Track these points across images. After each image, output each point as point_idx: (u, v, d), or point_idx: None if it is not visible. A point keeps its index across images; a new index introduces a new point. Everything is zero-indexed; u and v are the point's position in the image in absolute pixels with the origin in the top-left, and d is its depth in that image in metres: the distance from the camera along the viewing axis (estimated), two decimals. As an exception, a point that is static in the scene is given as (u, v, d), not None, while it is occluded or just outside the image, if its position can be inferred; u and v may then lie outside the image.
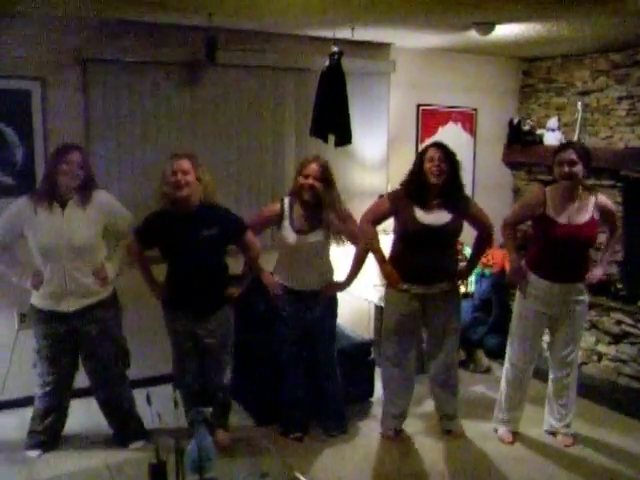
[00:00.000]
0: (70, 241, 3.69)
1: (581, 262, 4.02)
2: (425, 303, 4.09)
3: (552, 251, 3.98)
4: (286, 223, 4.03)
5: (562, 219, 3.91)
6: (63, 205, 3.71)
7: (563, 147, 3.99)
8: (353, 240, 4.13)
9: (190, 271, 3.86)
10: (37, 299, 3.83)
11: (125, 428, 4.12)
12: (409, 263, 4.05)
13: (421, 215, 3.97)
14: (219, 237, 3.84)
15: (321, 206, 3.97)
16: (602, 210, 3.97)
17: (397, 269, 4.09)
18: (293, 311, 4.12)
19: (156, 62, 4.68)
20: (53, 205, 3.69)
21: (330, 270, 4.21)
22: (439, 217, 3.97)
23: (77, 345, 3.91)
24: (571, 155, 3.84)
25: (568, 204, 3.93)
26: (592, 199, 3.96)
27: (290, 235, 4.01)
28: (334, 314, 4.27)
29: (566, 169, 3.84)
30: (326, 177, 3.97)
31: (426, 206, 3.98)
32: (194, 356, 4.02)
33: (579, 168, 3.84)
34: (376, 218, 4.17)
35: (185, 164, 3.73)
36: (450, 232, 4.02)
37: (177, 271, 3.93)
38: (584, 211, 3.93)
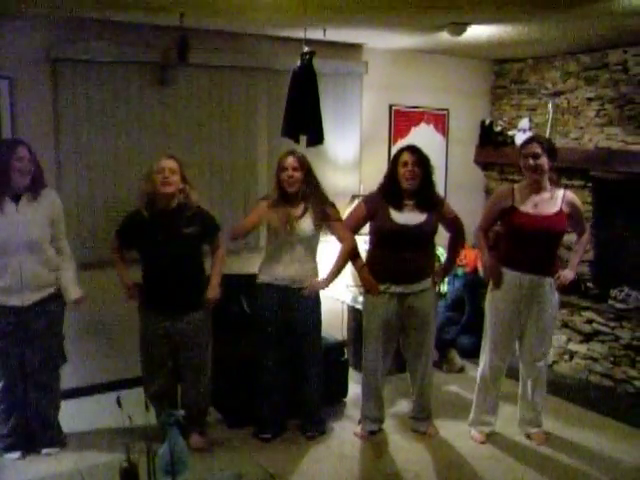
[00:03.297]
0: (25, 236, 3.68)
1: (548, 255, 4.05)
2: (404, 303, 4.09)
3: (519, 242, 4.03)
4: (275, 216, 4.06)
5: (528, 209, 3.98)
6: (16, 200, 3.71)
7: (528, 141, 4.07)
8: (338, 237, 4.19)
9: (168, 269, 3.84)
10: None
11: (45, 432, 4.01)
12: (386, 264, 4.07)
13: (396, 215, 4.01)
14: (198, 235, 3.90)
15: (306, 196, 4.06)
16: (571, 206, 4.03)
17: (374, 271, 4.12)
18: (275, 310, 4.11)
19: (127, 62, 4.63)
20: (5, 201, 3.69)
21: (315, 267, 4.22)
22: (414, 217, 4.01)
23: (24, 343, 3.83)
24: (535, 149, 3.92)
25: (535, 196, 4.00)
26: (560, 192, 4.03)
27: (280, 225, 4.02)
28: (318, 316, 4.25)
29: (531, 162, 3.93)
30: (304, 166, 4.05)
31: (401, 207, 4.02)
32: (167, 360, 3.97)
33: (543, 160, 3.91)
34: (354, 226, 4.21)
35: (172, 163, 3.83)
36: (426, 231, 4.04)
37: (154, 269, 3.90)
38: (552, 203, 3.99)
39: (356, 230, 4.24)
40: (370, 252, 4.23)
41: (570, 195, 4.07)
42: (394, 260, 4.03)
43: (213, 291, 3.98)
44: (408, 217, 4.01)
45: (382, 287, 4.08)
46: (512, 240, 4.08)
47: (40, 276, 3.78)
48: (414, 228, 3.99)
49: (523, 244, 4.01)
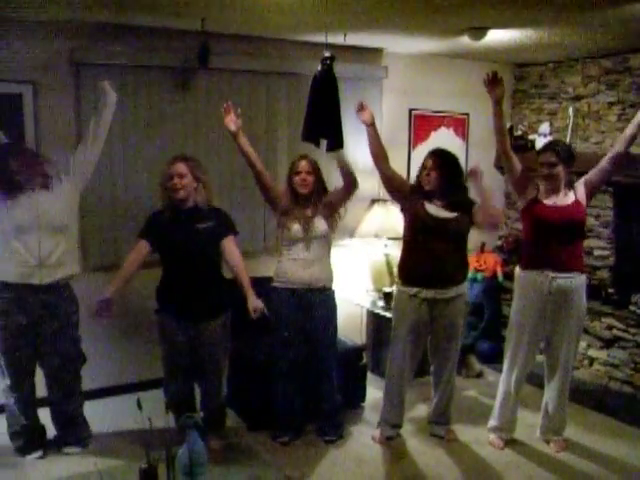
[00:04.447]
0: (45, 217, 3.71)
1: (572, 249, 4.02)
2: (433, 310, 4.10)
3: (543, 236, 4.00)
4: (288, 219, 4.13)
5: (548, 202, 4.00)
6: (32, 189, 3.73)
7: (545, 148, 4.08)
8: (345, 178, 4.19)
9: (185, 268, 3.84)
10: (6, 274, 3.75)
11: (70, 431, 4.08)
12: (419, 261, 4.07)
13: (430, 207, 4.04)
14: (214, 230, 3.88)
15: (316, 198, 4.13)
16: (581, 185, 4.04)
17: (407, 271, 4.15)
18: (291, 313, 4.13)
19: (149, 66, 4.68)
20: (23, 189, 3.71)
21: (330, 268, 4.24)
22: (445, 214, 4.03)
23: (35, 343, 3.86)
24: (550, 158, 3.93)
25: (554, 194, 4.01)
26: (571, 192, 4.03)
27: (297, 226, 4.08)
28: (334, 320, 4.26)
29: (545, 171, 3.95)
30: (316, 170, 4.14)
31: (433, 204, 4.06)
32: (186, 364, 3.98)
33: (559, 169, 3.93)
34: (396, 175, 4.24)
35: (181, 167, 3.82)
36: (459, 226, 4.05)
37: (173, 270, 3.91)
38: (567, 199, 4.01)
39: (395, 179, 4.23)
40: (403, 251, 4.23)
41: (576, 184, 4.08)
42: (427, 256, 4.02)
43: (255, 302, 3.83)
44: (439, 212, 4.03)
45: (413, 291, 4.08)
46: (535, 236, 4.06)
47: (58, 254, 3.77)
48: (446, 220, 4.00)
49: (547, 238, 3.99)
